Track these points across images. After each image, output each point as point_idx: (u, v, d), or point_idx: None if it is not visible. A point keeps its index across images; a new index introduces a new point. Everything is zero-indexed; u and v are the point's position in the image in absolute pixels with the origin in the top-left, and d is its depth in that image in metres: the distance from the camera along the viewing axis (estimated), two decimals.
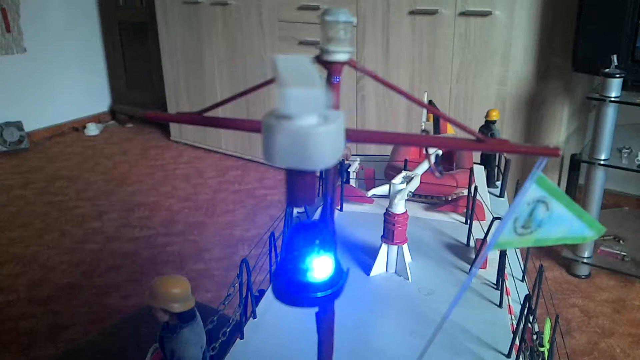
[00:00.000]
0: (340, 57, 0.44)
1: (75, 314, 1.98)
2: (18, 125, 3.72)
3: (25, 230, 2.64)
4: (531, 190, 0.46)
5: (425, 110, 1.37)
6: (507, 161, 1.35)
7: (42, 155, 3.69)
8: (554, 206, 0.47)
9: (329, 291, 0.44)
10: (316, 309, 0.48)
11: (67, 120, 4.14)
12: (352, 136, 0.43)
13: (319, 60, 0.45)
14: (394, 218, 0.91)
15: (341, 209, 1.17)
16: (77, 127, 4.16)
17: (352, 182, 1.26)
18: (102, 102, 4.38)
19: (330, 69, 0.45)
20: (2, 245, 2.50)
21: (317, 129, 0.36)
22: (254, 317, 0.83)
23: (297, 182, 0.39)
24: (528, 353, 0.81)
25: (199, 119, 0.51)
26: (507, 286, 0.88)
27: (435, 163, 1.16)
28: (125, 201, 2.94)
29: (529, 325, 0.79)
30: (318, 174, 0.67)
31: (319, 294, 0.44)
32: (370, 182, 1.24)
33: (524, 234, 0.48)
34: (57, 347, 1.81)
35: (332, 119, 0.37)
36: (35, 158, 3.64)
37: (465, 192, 1.13)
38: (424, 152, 1.33)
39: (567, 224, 0.48)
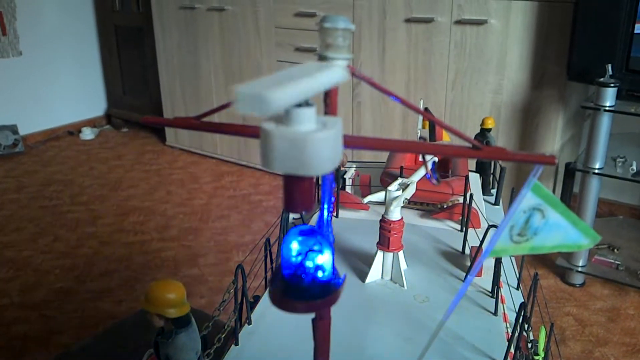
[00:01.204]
0: (339, 63, 0.44)
1: (69, 319, 1.97)
2: (13, 129, 3.71)
3: (18, 234, 2.63)
4: (527, 198, 0.46)
5: (421, 117, 1.38)
6: (502, 169, 1.35)
7: (36, 159, 3.68)
8: (550, 214, 0.47)
9: (326, 297, 0.44)
10: (312, 316, 0.48)
11: (62, 124, 4.13)
12: (349, 142, 0.43)
13: None
14: (390, 225, 0.91)
15: (337, 216, 1.17)
16: (72, 131, 4.15)
17: (348, 189, 1.26)
18: (97, 106, 4.37)
19: None
20: None
21: (315, 135, 0.36)
22: (249, 324, 0.83)
23: (295, 187, 0.39)
24: None
25: (196, 123, 0.51)
26: (502, 294, 0.88)
27: (432, 170, 1.16)
28: (119, 206, 2.93)
29: (524, 333, 0.79)
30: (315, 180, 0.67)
31: (316, 301, 0.44)
32: (366, 188, 1.24)
33: (520, 242, 0.48)
34: (50, 352, 1.80)
35: (330, 125, 0.37)
36: (30, 162, 3.62)
37: (461, 199, 1.14)
38: (420, 158, 1.33)
39: (562, 231, 0.48)
